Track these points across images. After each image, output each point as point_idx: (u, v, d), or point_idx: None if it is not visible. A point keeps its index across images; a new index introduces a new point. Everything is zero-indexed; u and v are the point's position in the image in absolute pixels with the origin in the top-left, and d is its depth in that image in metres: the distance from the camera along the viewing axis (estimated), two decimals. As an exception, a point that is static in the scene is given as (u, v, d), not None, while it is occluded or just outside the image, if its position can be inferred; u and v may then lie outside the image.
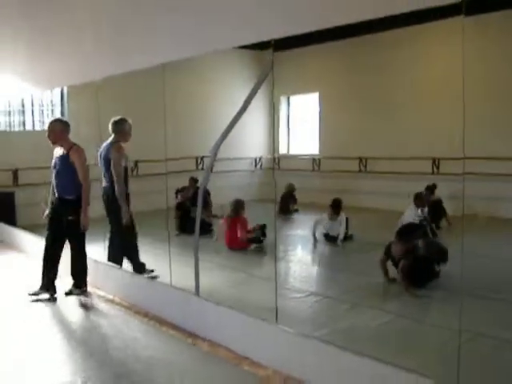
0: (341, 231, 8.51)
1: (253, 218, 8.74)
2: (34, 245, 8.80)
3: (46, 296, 6.18)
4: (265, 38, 4.32)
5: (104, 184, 6.53)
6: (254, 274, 7.24)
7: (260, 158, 13.80)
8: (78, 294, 6.29)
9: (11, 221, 10.42)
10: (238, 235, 8.25)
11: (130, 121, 6.60)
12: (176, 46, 5.38)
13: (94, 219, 6.28)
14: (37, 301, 6.11)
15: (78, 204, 6.04)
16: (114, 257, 6.59)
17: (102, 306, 6.01)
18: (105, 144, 6.54)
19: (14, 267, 8.12)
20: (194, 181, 10.33)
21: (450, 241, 7.03)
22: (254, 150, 13.27)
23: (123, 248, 6.58)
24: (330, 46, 11.67)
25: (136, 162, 11.11)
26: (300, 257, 8.35)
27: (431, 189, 9.66)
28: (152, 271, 6.64)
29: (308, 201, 11.83)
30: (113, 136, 6.52)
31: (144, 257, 6.83)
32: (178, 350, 4.79)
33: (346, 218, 8.64)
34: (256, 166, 13.65)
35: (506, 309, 5.48)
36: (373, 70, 11.87)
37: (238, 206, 8.49)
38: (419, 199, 8.74)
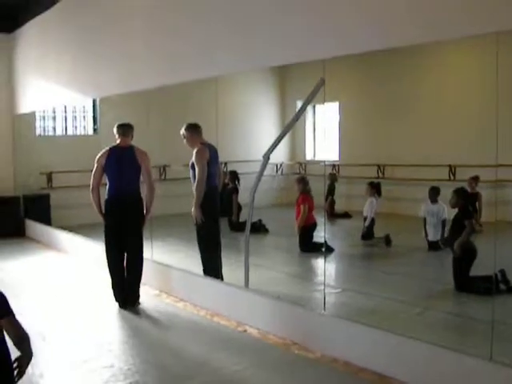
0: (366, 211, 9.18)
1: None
2: (73, 244, 9.34)
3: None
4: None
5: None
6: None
7: (281, 164, 14.30)
8: None
9: (47, 222, 10.95)
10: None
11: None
12: (228, 61, 5.89)
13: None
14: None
15: None
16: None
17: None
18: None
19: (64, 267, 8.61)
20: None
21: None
22: (275, 155, 13.74)
23: None
24: (347, 57, 12.09)
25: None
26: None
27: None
28: None
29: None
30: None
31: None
32: (231, 337, 5.29)
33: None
34: (277, 171, 14.13)
35: None
36: (391, 80, 12.34)
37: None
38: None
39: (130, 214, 6.15)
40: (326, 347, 4.74)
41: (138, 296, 6.25)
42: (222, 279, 6.28)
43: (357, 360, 4.50)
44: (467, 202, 6.64)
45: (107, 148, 6.23)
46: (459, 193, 6.71)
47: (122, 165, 6.16)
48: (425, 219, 8.59)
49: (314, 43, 4.93)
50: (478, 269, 6.26)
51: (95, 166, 6.20)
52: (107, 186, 6.23)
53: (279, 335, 5.14)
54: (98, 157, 6.21)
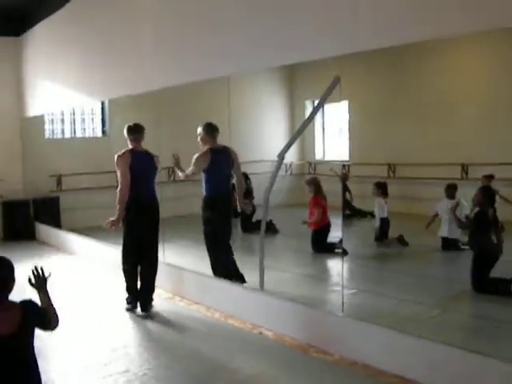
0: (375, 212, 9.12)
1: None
2: (83, 246, 9.29)
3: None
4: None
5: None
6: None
7: (291, 164, 14.22)
8: None
9: (57, 224, 10.93)
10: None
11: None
12: (236, 60, 5.81)
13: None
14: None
15: None
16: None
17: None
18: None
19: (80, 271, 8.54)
20: None
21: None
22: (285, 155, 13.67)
23: None
24: (358, 55, 11.99)
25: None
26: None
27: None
28: None
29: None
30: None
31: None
32: (246, 340, 5.21)
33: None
34: (287, 171, 14.01)
35: None
36: (401, 78, 12.25)
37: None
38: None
39: (153, 219, 6.18)
40: (345, 350, 4.66)
41: (152, 299, 6.18)
42: (243, 279, 6.26)
43: (376, 362, 4.41)
44: (491, 200, 6.51)
45: (127, 150, 6.01)
46: (484, 191, 6.62)
47: (147, 170, 6.10)
48: (436, 214, 8.49)
49: (328, 41, 4.86)
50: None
51: (122, 164, 5.91)
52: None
53: (295, 337, 5.06)
54: (120, 157, 5.93)
